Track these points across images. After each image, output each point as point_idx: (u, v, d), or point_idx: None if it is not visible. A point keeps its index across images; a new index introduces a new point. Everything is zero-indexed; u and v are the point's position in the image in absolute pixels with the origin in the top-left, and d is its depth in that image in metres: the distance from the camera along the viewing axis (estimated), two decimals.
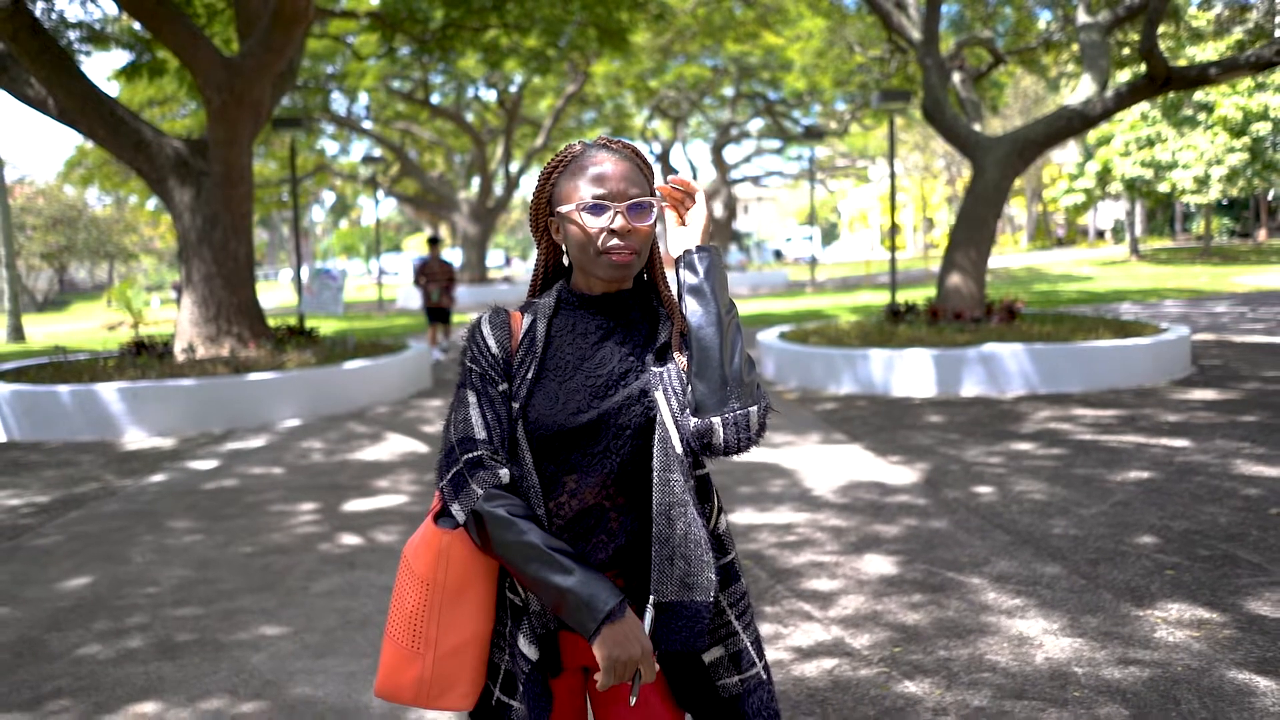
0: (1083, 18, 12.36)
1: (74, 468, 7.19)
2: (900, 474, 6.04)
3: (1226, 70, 10.55)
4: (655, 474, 1.48)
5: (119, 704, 3.26)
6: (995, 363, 8.91)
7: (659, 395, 1.51)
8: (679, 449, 1.48)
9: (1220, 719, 2.89)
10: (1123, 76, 20.74)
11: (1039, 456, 6.33)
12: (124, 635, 3.86)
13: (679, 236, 1.54)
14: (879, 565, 4.36)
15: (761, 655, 1.60)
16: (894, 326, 10.66)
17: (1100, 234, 48.59)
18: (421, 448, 7.44)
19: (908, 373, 9.10)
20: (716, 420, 1.43)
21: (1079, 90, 11.42)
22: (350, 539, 5.07)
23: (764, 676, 1.58)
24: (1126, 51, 15.59)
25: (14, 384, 8.88)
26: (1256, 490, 5.28)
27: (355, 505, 5.77)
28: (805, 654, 3.45)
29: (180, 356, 9.86)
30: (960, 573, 4.22)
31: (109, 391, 8.48)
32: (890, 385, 9.16)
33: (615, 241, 1.51)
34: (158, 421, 8.47)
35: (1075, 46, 15.47)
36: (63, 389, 8.51)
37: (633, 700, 1.44)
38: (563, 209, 1.54)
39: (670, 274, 1.61)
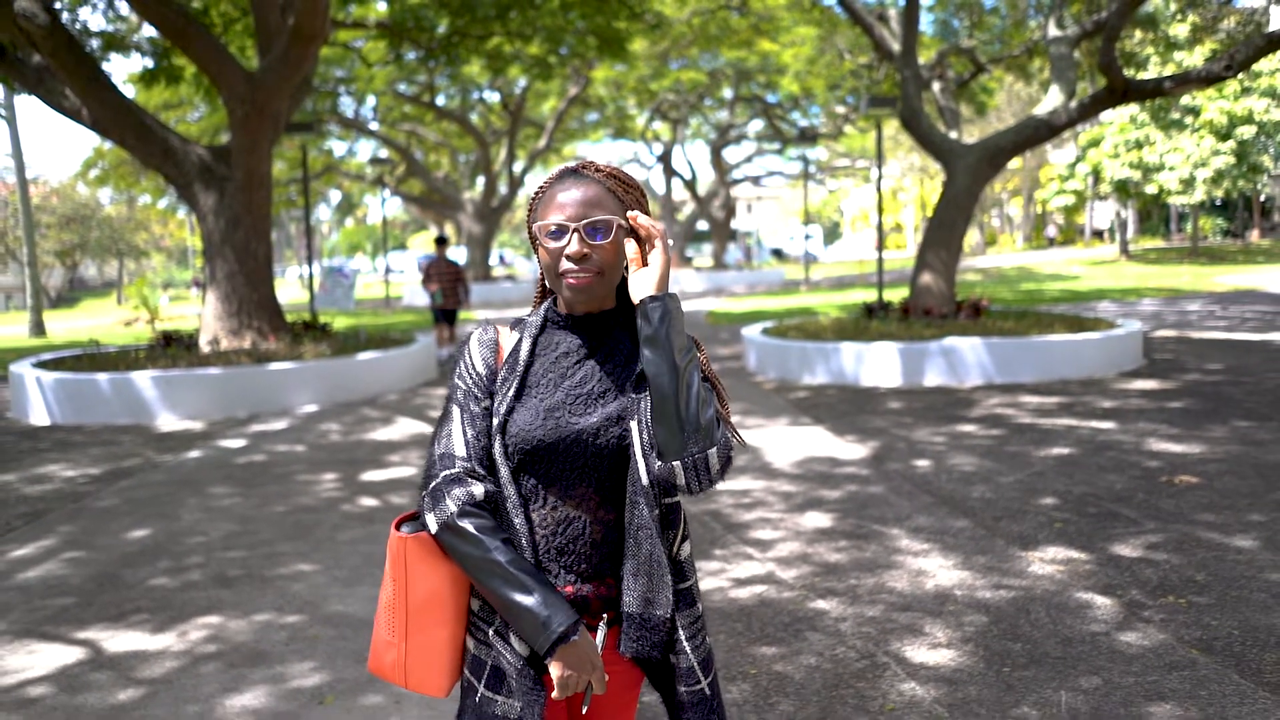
0: (1053, 31, 13.12)
1: (117, 446, 8.00)
2: (852, 450, 6.82)
3: (1179, 84, 11.34)
4: (629, 496, 1.59)
5: (188, 618, 4.07)
6: (955, 355, 9.68)
7: (633, 425, 1.57)
8: (644, 480, 1.56)
9: (1059, 624, 3.67)
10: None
11: (978, 436, 7.11)
12: (185, 571, 4.67)
13: (639, 280, 1.56)
14: (817, 520, 5.15)
15: (709, 673, 1.68)
16: (868, 322, 11.43)
17: (1098, 234, 49.25)
18: (429, 429, 8.24)
19: (876, 364, 9.88)
20: (677, 464, 1.50)
21: (1047, 100, 12.17)
22: (368, 501, 5.88)
23: (708, 693, 1.67)
24: None
25: (55, 372, 9.70)
26: (1157, 463, 6.06)
27: (371, 475, 6.57)
28: (741, 583, 4.24)
29: (206, 348, 10.68)
30: (884, 526, 5.01)
31: (143, 379, 9.29)
32: (860, 376, 9.94)
33: (571, 265, 1.57)
34: (188, 406, 9.27)
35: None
36: (102, 377, 9.32)
37: (584, 709, 1.59)
38: (534, 233, 1.63)
39: None
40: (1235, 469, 5.84)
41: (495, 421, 1.61)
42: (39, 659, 3.71)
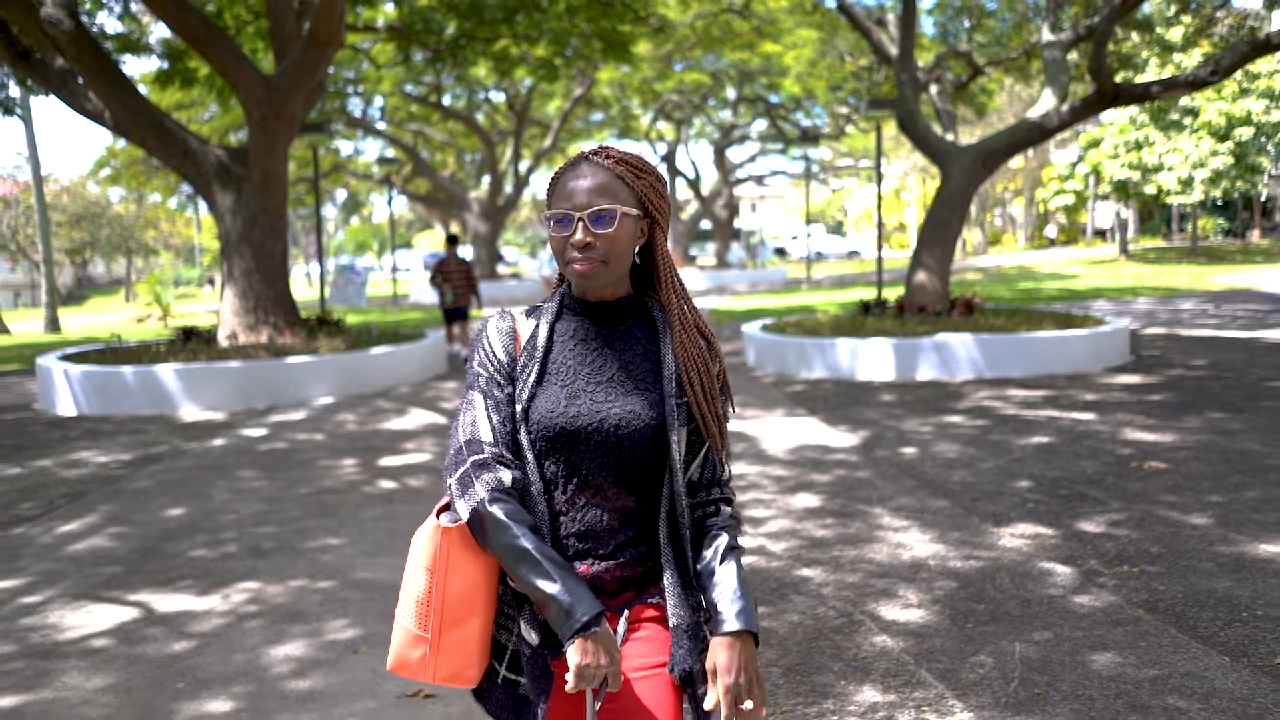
0: (1047, 35, 13.47)
1: (144, 435, 8.39)
2: (844, 439, 7.19)
3: (1167, 88, 11.70)
4: (663, 507, 1.63)
5: (228, 583, 4.46)
6: (947, 351, 10.05)
7: (672, 438, 1.61)
8: (680, 488, 1.62)
9: (1021, 588, 4.05)
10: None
11: (964, 426, 7.48)
12: (221, 544, 5.06)
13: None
14: (806, 501, 5.52)
15: None
16: (864, 319, 11.79)
17: (1100, 234, 49.49)
18: (440, 420, 8.63)
19: (871, 359, 10.24)
20: None
21: (1040, 103, 12.52)
22: (387, 483, 6.27)
23: None
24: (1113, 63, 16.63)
25: (81, 365, 10.10)
26: (1129, 450, 6.43)
27: (388, 461, 6.96)
28: None
29: (224, 343, 11.08)
30: (868, 505, 5.38)
31: (166, 372, 9.69)
32: (855, 370, 10.30)
33: (575, 253, 1.58)
34: (209, 398, 9.67)
35: None
36: (127, 369, 9.72)
37: (597, 705, 1.56)
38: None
39: (673, 279, 1.69)
40: (1203, 455, 6.21)
41: (519, 408, 1.62)
42: (95, 618, 4.10)
